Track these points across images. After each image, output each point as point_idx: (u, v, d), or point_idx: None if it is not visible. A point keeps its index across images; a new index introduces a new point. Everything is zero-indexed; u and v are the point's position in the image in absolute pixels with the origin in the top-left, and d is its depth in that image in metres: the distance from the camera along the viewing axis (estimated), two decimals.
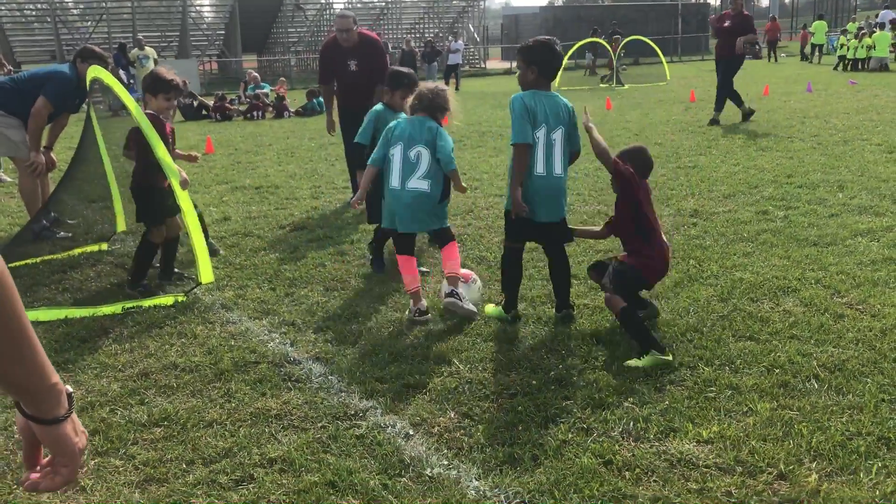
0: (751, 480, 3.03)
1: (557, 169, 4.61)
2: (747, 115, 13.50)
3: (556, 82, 24.33)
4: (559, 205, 4.69)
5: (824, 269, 5.41)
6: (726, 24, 13.10)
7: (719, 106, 13.54)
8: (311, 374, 4.17)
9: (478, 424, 3.55)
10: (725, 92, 13.50)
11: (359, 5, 44.17)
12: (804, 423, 3.40)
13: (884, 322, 4.47)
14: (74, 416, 1.39)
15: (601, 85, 25.63)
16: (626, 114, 16.07)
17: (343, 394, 3.92)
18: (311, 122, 17.60)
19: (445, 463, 3.26)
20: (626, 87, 24.07)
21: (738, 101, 13.52)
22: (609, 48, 27.17)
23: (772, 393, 3.70)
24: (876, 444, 3.23)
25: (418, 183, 4.84)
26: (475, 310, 4.87)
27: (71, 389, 1.38)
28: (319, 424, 3.62)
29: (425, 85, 5.23)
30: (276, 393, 3.96)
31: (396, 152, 4.91)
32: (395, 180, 4.91)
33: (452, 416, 3.65)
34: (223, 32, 38.99)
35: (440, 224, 5.02)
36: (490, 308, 4.94)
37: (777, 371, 3.93)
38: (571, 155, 4.76)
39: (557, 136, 4.61)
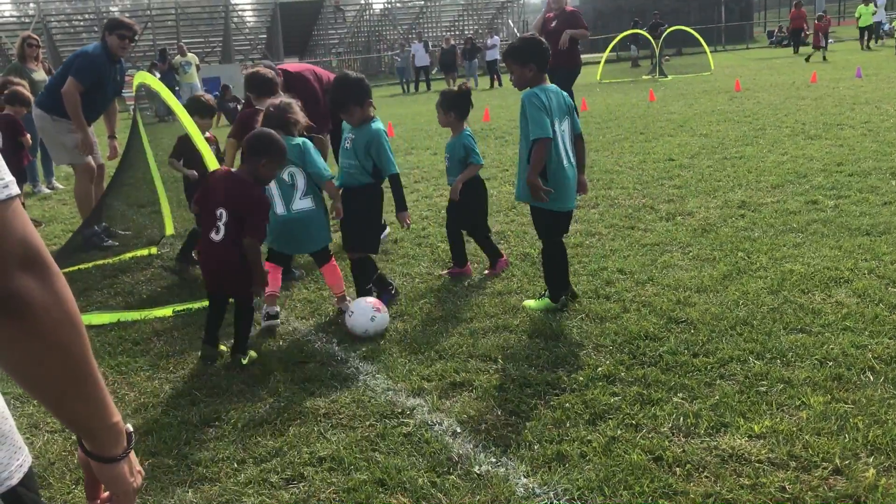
0: (805, 475, 2.97)
1: (571, 157, 4.80)
2: None
3: (597, 76, 24.24)
4: (575, 192, 4.88)
5: (878, 259, 5.28)
6: (553, 26, 10.77)
7: None
8: (358, 373, 4.20)
9: (525, 422, 3.54)
10: None
11: (398, 4, 44.38)
12: (860, 417, 3.33)
13: None
14: (133, 455, 1.41)
15: (644, 77, 25.35)
16: (669, 105, 15.88)
17: (390, 392, 3.94)
18: None
19: (493, 460, 3.25)
20: (670, 77, 23.79)
21: None
22: (651, 39, 26.86)
23: (825, 386, 3.63)
24: None
25: (301, 203, 4.92)
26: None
27: (131, 429, 1.40)
28: (367, 423, 3.65)
29: (271, 102, 5.09)
30: (324, 392, 4.00)
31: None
32: (279, 207, 4.92)
33: (499, 413, 3.64)
34: (265, 36, 39.49)
35: (322, 244, 5.10)
36: (531, 303, 4.93)
37: (830, 364, 3.85)
38: (576, 139, 4.85)
39: (566, 125, 4.73)
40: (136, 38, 7.13)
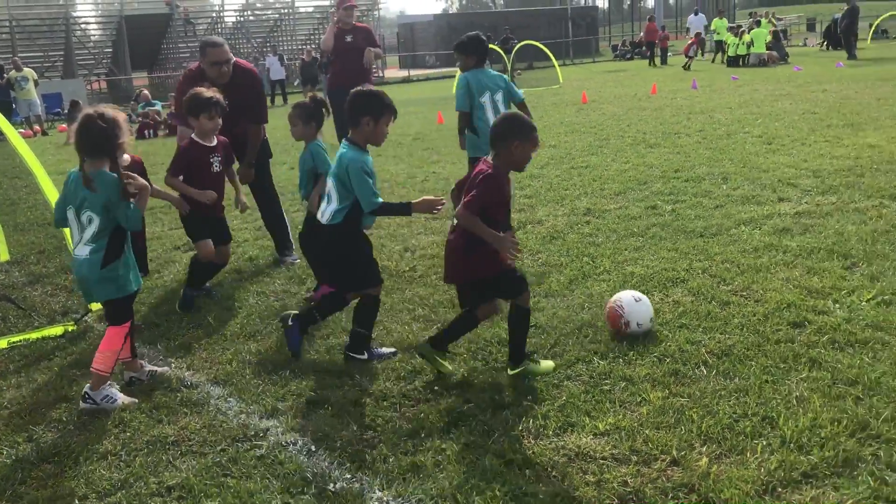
0: (645, 469, 3.13)
1: None
2: None
3: (453, 90, 24.66)
4: None
5: (710, 259, 5.63)
6: (349, 41, 9.68)
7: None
8: (209, 397, 4.07)
9: (381, 435, 3.55)
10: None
11: (251, 17, 43.59)
12: (694, 409, 3.53)
13: (766, 307, 4.68)
14: None
15: None
16: None
17: (243, 415, 3.85)
18: None
19: (348, 476, 3.24)
20: (521, 91, 24.51)
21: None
22: (503, 54, 27.63)
23: (663, 382, 3.84)
24: (761, 424, 3.38)
25: (81, 249, 4.06)
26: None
27: None
28: (219, 448, 3.55)
29: (76, 123, 4.10)
30: (174, 419, 3.86)
31: (71, 215, 4.11)
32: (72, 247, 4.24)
33: (355, 429, 3.63)
34: (111, 50, 37.81)
35: (112, 294, 4.10)
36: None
37: (668, 360, 4.07)
38: (519, 106, 6.21)
39: (499, 96, 6.29)
40: None
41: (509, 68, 27.10)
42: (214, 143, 5.51)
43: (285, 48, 39.08)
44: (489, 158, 4.05)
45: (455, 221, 4.03)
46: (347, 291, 4.56)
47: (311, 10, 45.19)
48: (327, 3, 45.12)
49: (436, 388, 3.96)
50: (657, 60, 33.05)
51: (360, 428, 3.63)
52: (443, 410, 3.71)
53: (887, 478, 2.93)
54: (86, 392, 4.02)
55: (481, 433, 3.49)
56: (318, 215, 4.47)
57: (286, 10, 43.16)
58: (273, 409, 3.88)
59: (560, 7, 58.08)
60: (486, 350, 4.38)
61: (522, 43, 29.63)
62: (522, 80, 27.06)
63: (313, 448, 3.49)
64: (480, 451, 3.33)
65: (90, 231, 4.01)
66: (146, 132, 18.08)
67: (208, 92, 5.38)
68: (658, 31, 34.66)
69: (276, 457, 3.42)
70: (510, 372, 4.04)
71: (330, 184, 4.37)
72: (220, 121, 5.46)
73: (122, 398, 4.07)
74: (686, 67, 28.25)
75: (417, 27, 52.19)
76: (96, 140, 3.94)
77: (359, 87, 4.51)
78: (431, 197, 4.33)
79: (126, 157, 4.78)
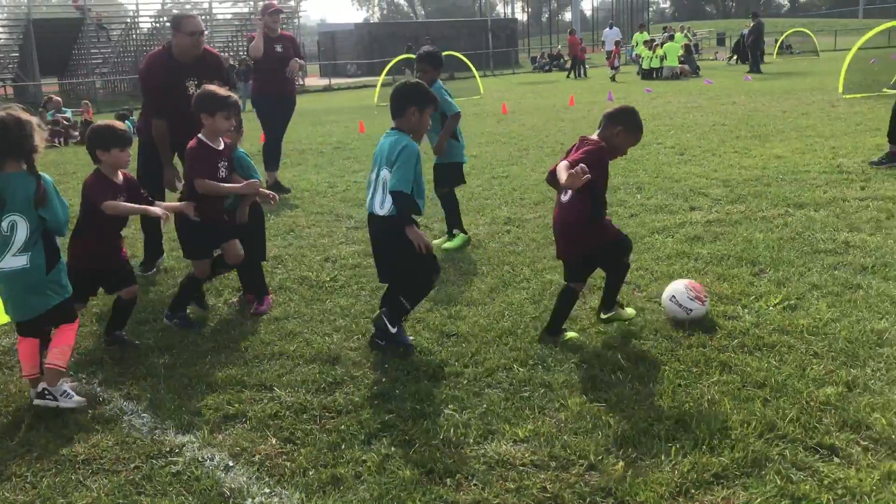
0: (564, 474, 3.17)
1: None
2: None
3: (375, 99, 24.66)
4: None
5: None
6: (279, 50, 9.53)
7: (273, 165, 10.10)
8: (121, 414, 3.95)
9: (300, 448, 3.51)
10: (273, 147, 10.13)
11: (168, 24, 42.62)
12: (611, 414, 3.61)
13: None
14: None
15: None
16: None
17: (157, 431, 3.75)
18: None
19: (267, 491, 3.19)
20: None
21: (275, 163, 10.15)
22: None
23: (581, 387, 3.91)
24: (674, 427, 3.47)
25: (13, 260, 3.88)
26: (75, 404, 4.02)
27: None
28: (132, 465, 3.44)
29: None
30: (84, 437, 3.72)
31: None
32: None
33: (274, 442, 3.58)
34: (17, 55, 36.39)
35: (63, 296, 4.06)
36: (449, 244, 6.50)
37: (586, 366, 4.15)
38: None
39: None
40: None
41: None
42: (222, 146, 5.03)
43: None
44: (594, 136, 4.58)
45: (566, 197, 4.55)
46: (416, 279, 4.57)
47: (229, 16, 44.55)
48: (246, 10, 44.62)
49: (356, 399, 3.94)
50: (577, 72, 33.77)
51: (280, 441, 3.58)
52: (363, 421, 3.69)
53: (792, 476, 3.05)
54: (45, 389, 3.96)
55: (402, 443, 3.48)
56: (376, 208, 4.48)
57: (203, 17, 42.35)
58: (189, 423, 3.79)
59: (480, 19, 58.79)
60: (407, 360, 4.37)
61: (443, 53, 29.77)
62: None
63: (231, 463, 3.42)
64: (401, 461, 3.33)
65: (19, 239, 3.87)
66: (56, 140, 17.44)
67: (223, 90, 4.99)
68: (579, 43, 35.43)
69: (193, 473, 3.34)
70: (602, 316, 4.71)
71: (384, 173, 4.41)
72: (234, 123, 5.09)
73: (77, 397, 4.04)
74: (613, 79, 29.00)
75: (338, 36, 51.98)
76: (11, 141, 3.83)
77: (404, 79, 4.87)
78: (424, 238, 4.41)
79: (120, 174, 4.66)
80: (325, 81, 41.14)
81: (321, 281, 5.93)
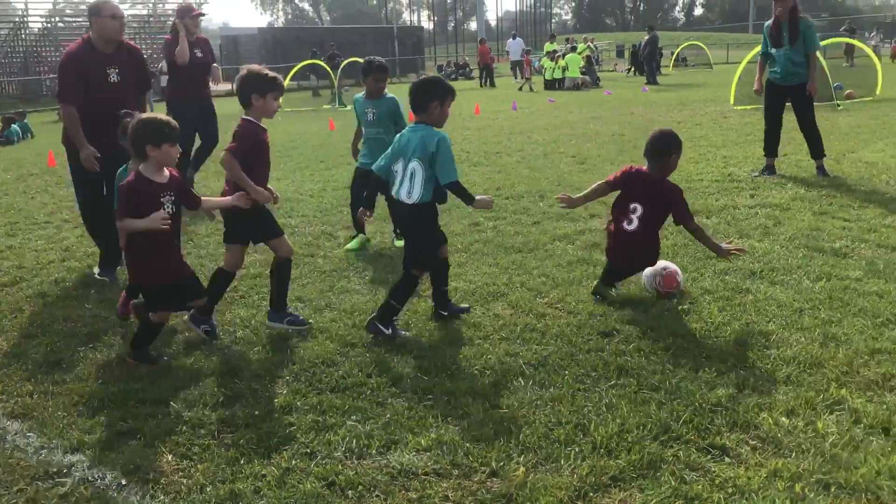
0: (466, 482, 3.19)
1: None
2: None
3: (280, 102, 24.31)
4: None
5: (528, 273, 5.85)
6: (199, 55, 9.47)
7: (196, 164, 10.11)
8: (5, 433, 3.75)
9: (197, 464, 3.41)
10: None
11: (60, 24, 40.95)
12: (512, 420, 3.65)
13: (579, 318, 4.92)
14: None
15: (324, 106, 25.91)
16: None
17: (44, 451, 3.57)
18: (6, 151, 15.99)
19: None
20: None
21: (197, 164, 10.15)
22: (329, 70, 27.55)
23: (484, 394, 3.93)
24: (574, 431, 3.54)
25: None
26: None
27: None
28: (15, 488, 3.27)
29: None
30: None
31: None
32: None
33: (170, 458, 3.46)
34: None
35: None
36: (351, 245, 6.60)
37: (489, 372, 4.18)
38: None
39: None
40: None
41: (336, 85, 27.03)
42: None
43: None
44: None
45: (631, 227, 5.25)
46: (421, 267, 4.93)
47: (127, 19, 43.12)
48: (144, 12, 43.33)
49: (256, 412, 3.85)
50: (485, 81, 34.12)
51: (176, 457, 3.47)
52: (263, 434, 3.62)
53: (686, 476, 3.14)
54: None
55: (303, 456, 3.43)
56: (403, 196, 4.77)
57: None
58: (79, 442, 3.63)
59: (387, 26, 58.79)
60: (309, 371, 4.31)
61: (349, 60, 29.67)
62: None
63: (124, 482, 3.29)
64: (302, 474, 3.27)
65: None
66: None
67: (270, 71, 4.94)
68: (489, 52, 35.80)
69: (82, 493, 3.20)
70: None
71: (414, 165, 4.72)
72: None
73: None
74: (529, 88, 29.34)
75: (241, 40, 51.02)
76: None
77: (423, 75, 5.16)
78: (489, 197, 4.98)
79: (165, 171, 4.46)
80: (227, 86, 40.28)
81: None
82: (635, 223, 5.24)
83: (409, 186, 4.75)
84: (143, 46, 40.17)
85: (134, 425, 3.77)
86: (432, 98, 4.78)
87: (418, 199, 4.73)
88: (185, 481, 3.28)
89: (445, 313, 5.03)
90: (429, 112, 4.80)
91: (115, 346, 4.79)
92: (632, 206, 5.28)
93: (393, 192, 4.87)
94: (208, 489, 3.20)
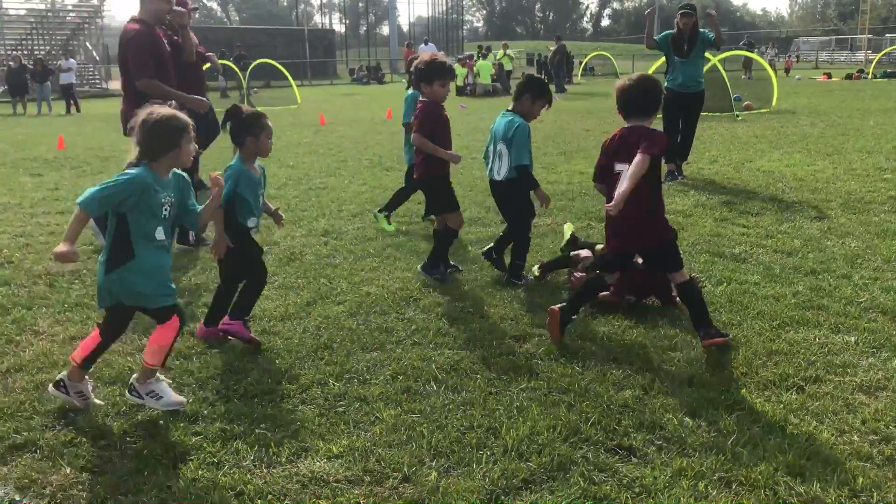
0: (378, 488, 3.16)
1: None
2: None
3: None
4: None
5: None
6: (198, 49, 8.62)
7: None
8: None
9: (98, 477, 3.27)
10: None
11: None
12: (425, 425, 3.64)
13: (490, 322, 4.96)
14: None
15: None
16: None
17: None
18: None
19: None
20: (258, 109, 24.13)
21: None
22: (237, 71, 27.05)
23: (396, 399, 3.91)
24: (486, 434, 3.56)
25: None
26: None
27: None
28: None
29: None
30: None
31: None
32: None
33: (69, 471, 3.31)
34: None
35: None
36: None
37: (401, 377, 4.16)
38: None
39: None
40: None
41: (245, 86, 26.56)
42: None
43: None
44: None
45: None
46: (522, 232, 5.82)
47: (22, 12, 41.33)
48: (43, 6, 41.61)
49: (160, 422, 3.73)
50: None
51: (75, 470, 3.32)
52: (169, 444, 3.50)
53: (595, 477, 3.20)
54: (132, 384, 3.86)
55: (210, 466, 3.33)
56: (495, 175, 5.71)
57: None
58: None
59: (297, 28, 58.09)
60: (216, 379, 4.20)
61: (259, 61, 29.22)
62: (259, 99, 26.63)
63: (17, 497, 3.14)
64: (209, 484, 3.18)
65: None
66: None
67: (444, 58, 5.71)
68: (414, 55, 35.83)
69: None
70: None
71: (501, 147, 5.60)
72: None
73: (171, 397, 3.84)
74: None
75: None
76: None
77: (529, 74, 6.11)
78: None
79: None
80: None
81: None
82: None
83: (499, 165, 5.63)
84: (42, 42, 38.59)
85: (29, 437, 3.59)
86: (526, 91, 5.61)
87: (505, 177, 5.60)
88: (84, 494, 3.14)
89: (494, 257, 5.94)
90: (521, 102, 5.64)
91: (9, 355, 4.56)
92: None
93: (486, 171, 5.84)
94: (110, 502, 3.08)
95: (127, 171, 3.73)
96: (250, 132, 4.55)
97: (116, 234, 3.70)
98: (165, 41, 6.81)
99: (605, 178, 4.69)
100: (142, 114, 3.76)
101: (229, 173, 4.46)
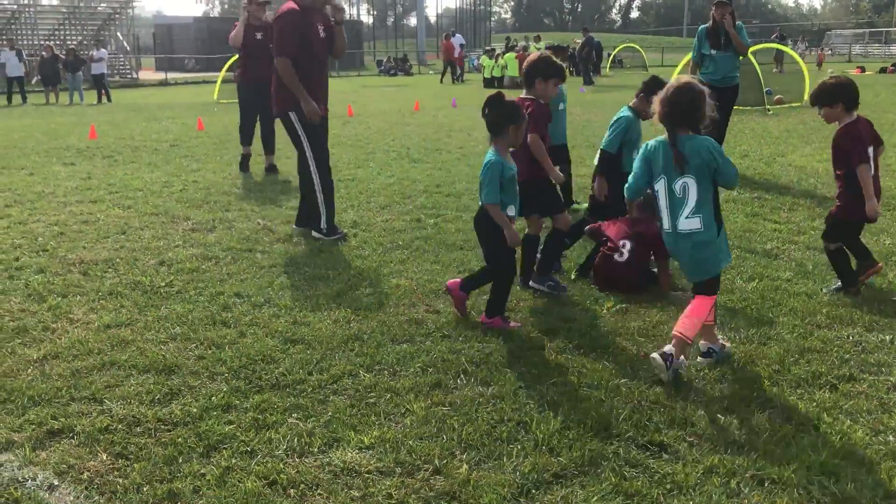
0: (409, 479, 3.18)
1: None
2: None
3: (215, 95, 23.85)
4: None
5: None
6: (259, 37, 10.26)
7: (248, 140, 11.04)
8: None
9: (133, 463, 3.32)
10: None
11: None
12: (455, 418, 3.65)
13: (520, 315, 4.96)
14: None
15: None
16: None
17: None
18: None
19: None
20: None
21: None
22: None
23: (426, 392, 3.93)
24: (516, 428, 3.56)
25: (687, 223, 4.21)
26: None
27: None
28: None
29: None
30: None
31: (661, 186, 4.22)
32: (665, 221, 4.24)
33: (104, 458, 3.37)
34: None
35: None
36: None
37: (431, 370, 4.18)
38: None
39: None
40: None
41: None
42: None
43: (25, 43, 35.70)
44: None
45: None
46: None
47: (55, 3, 41.79)
48: None
49: (194, 410, 3.77)
50: (454, 76, 34.24)
51: (111, 457, 3.38)
52: (202, 433, 3.54)
53: (626, 473, 3.20)
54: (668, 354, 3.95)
55: (243, 455, 3.37)
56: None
57: (26, 2, 39.52)
58: (7, 441, 3.50)
59: None
60: (248, 368, 4.24)
61: None
62: None
63: (56, 482, 3.19)
64: (243, 473, 3.22)
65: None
66: None
67: (558, 59, 5.51)
68: (454, 48, 35.79)
69: (12, 495, 3.09)
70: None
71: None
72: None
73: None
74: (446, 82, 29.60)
75: (176, 29, 49.99)
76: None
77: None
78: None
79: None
80: (160, 75, 39.41)
81: (156, 286, 5.65)
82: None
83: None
84: (74, 32, 39.02)
85: (66, 423, 3.65)
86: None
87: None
88: (120, 481, 3.19)
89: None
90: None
91: (46, 342, 4.64)
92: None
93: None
94: (145, 489, 3.13)
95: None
96: (513, 120, 4.61)
97: (715, 200, 4.29)
98: (321, 28, 6.87)
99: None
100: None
101: (488, 171, 4.64)
